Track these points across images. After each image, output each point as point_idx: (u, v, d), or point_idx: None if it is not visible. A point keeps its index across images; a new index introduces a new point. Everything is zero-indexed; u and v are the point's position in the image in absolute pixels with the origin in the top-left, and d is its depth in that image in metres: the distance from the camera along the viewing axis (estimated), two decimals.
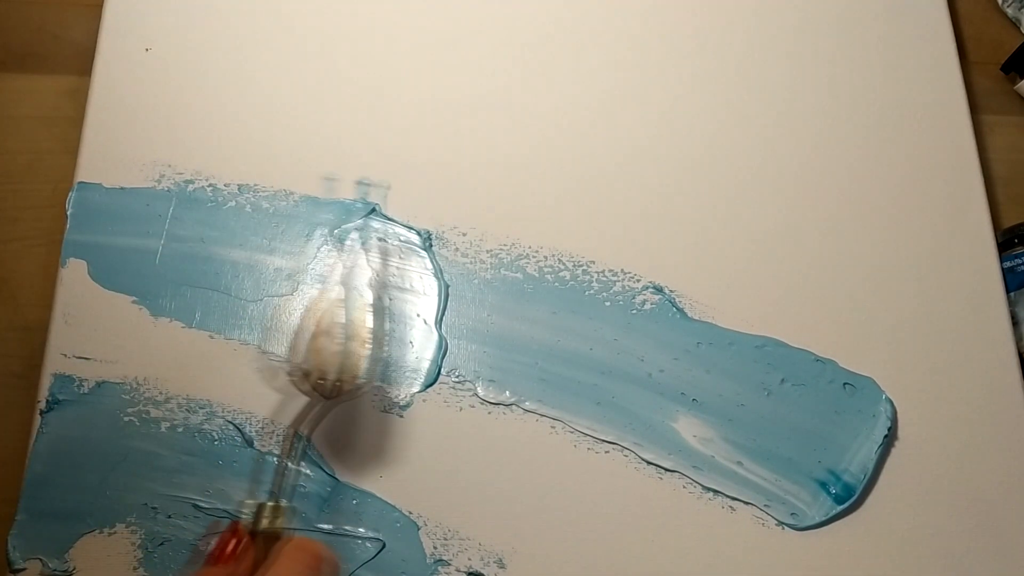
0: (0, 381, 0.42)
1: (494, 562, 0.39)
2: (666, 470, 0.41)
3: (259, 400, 0.40)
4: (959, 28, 0.52)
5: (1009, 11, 0.54)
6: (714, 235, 0.45)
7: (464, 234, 0.44)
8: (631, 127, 0.47)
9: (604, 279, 0.43)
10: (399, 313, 0.42)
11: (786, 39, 0.49)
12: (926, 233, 0.46)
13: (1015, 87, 0.52)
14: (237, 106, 0.45)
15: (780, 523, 0.40)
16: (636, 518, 0.40)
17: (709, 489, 0.40)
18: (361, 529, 0.39)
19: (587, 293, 0.43)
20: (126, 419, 0.40)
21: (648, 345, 0.42)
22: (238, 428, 0.40)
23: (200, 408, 0.40)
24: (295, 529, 0.38)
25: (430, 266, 0.43)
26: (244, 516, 0.34)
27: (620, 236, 0.44)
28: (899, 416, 0.42)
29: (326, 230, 0.43)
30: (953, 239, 0.46)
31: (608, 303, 0.43)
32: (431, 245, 0.43)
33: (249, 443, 0.40)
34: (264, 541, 0.33)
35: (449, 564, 0.39)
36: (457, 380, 0.41)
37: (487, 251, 0.44)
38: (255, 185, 0.44)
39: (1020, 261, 0.46)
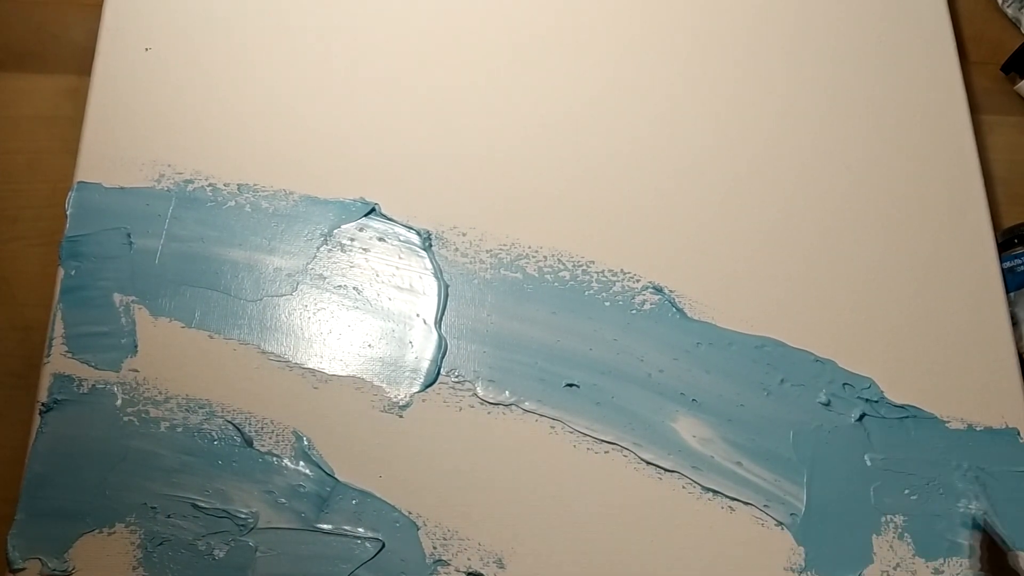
0: (0, 381, 0.42)
1: (493, 562, 0.39)
2: (666, 470, 0.41)
3: (258, 400, 0.40)
4: (959, 28, 0.52)
5: (1009, 11, 0.54)
6: (714, 235, 0.45)
7: (464, 234, 0.44)
8: (631, 127, 0.47)
9: (604, 279, 0.43)
10: (399, 313, 0.42)
11: (786, 39, 0.49)
12: (926, 233, 0.46)
13: (1015, 87, 0.52)
14: (237, 106, 0.45)
15: (779, 523, 0.40)
16: (636, 518, 0.40)
17: (709, 489, 0.40)
18: (360, 529, 0.39)
19: (587, 293, 0.43)
20: (125, 419, 0.40)
21: (648, 345, 0.42)
22: (237, 428, 0.40)
23: (199, 408, 0.40)
24: (294, 529, 0.38)
25: (429, 266, 0.43)
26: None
27: (620, 236, 0.44)
28: None
29: (326, 229, 0.43)
30: (953, 239, 0.46)
31: (608, 303, 0.43)
32: (431, 245, 0.43)
33: (248, 443, 0.40)
34: None
35: (448, 564, 0.39)
36: (457, 380, 0.41)
37: (487, 251, 0.44)
38: (255, 185, 0.44)
39: (1020, 261, 0.46)
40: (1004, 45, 0.53)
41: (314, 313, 0.42)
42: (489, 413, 0.41)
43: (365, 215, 0.44)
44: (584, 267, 0.44)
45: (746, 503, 0.40)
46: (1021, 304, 0.45)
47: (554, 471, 0.40)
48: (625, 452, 0.41)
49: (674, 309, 0.43)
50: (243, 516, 0.38)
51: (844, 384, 0.42)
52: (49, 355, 0.40)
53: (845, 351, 0.43)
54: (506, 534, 0.39)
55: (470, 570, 0.38)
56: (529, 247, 0.44)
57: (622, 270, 0.44)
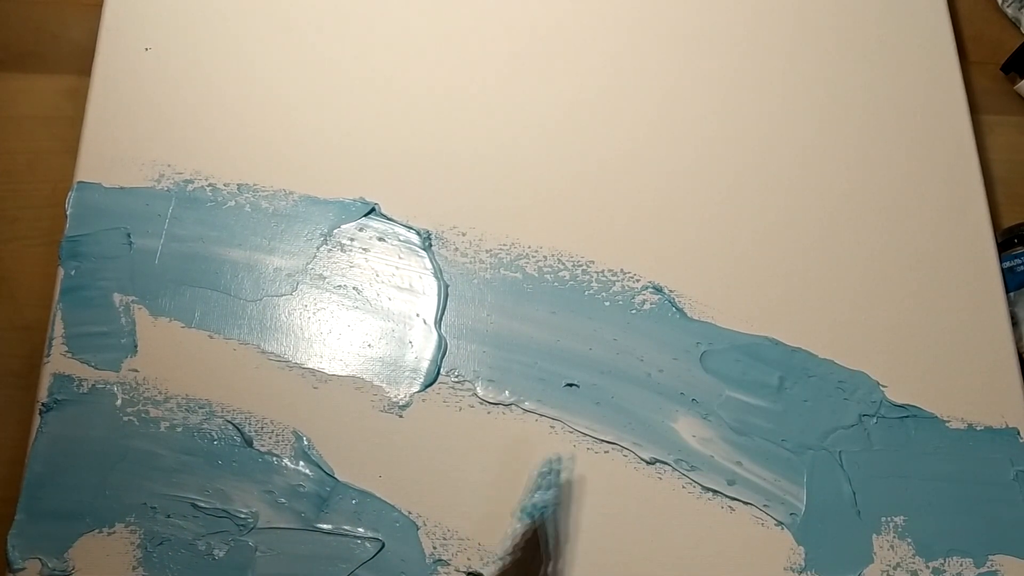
0: (0, 381, 0.42)
1: (494, 562, 0.39)
2: (666, 470, 0.40)
3: (258, 400, 0.40)
4: (959, 28, 0.52)
5: (1009, 11, 0.54)
6: (714, 235, 0.45)
7: (463, 234, 0.44)
8: (630, 126, 0.47)
9: (604, 279, 0.43)
10: (399, 313, 0.42)
11: (786, 39, 0.49)
12: (926, 233, 0.46)
13: (1015, 87, 0.52)
14: (237, 106, 0.45)
15: (779, 523, 0.40)
16: (635, 518, 0.40)
17: (709, 489, 0.40)
18: (360, 529, 0.39)
19: (586, 293, 0.43)
20: (125, 419, 0.40)
21: (647, 345, 0.42)
22: (237, 428, 0.40)
23: (199, 408, 0.40)
24: (294, 529, 0.38)
25: (429, 266, 0.43)
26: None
27: (620, 236, 0.44)
28: None
29: (326, 229, 0.43)
30: (953, 239, 0.46)
31: (608, 303, 0.43)
32: (430, 245, 0.43)
33: (248, 443, 0.40)
34: None
35: (448, 564, 0.38)
36: (456, 380, 0.41)
37: (486, 251, 0.44)
38: (255, 185, 0.44)
39: (1020, 261, 0.46)
40: (1004, 45, 0.53)
41: (314, 313, 0.42)
42: (489, 413, 0.41)
43: (365, 215, 0.44)
44: (584, 267, 0.44)
45: (746, 503, 0.40)
46: (1021, 304, 0.45)
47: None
48: (625, 452, 0.41)
49: (674, 309, 0.43)
50: (243, 516, 0.38)
51: (844, 383, 0.42)
52: (49, 355, 0.40)
53: (845, 350, 0.43)
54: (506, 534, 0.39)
55: (470, 570, 0.38)
56: (529, 247, 0.44)
57: (622, 270, 0.44)
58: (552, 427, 0.41)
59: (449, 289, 0.43)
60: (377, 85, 0.46)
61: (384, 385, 0.41)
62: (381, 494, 0.39)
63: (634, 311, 0.43)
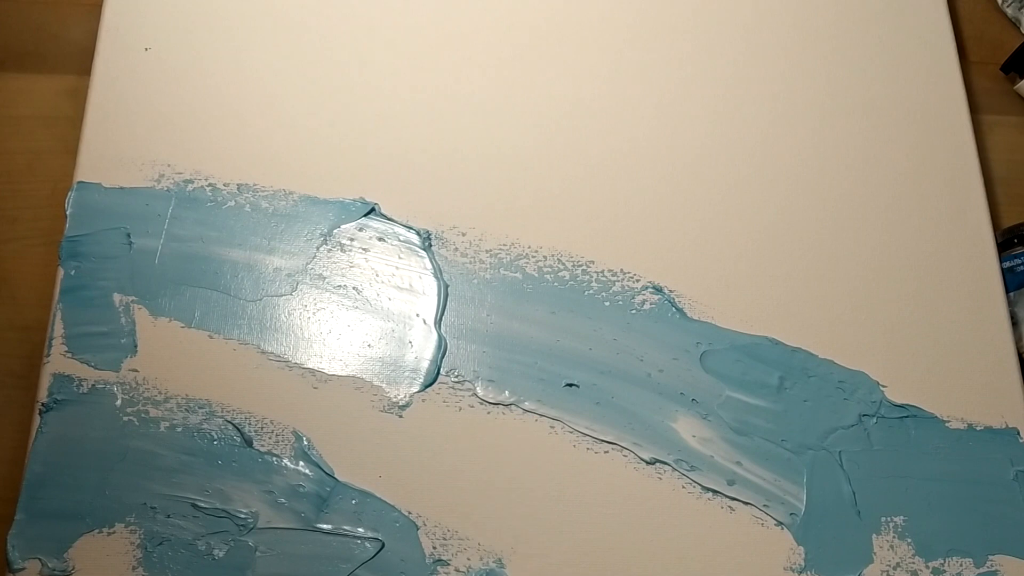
0: (0, 381, 0.42)
1: (493, 562, 0.39)
2: (666, 470, 0.40)
3: (258, 400, 0.40)
4: (959, 28, 0.52)
5: (1009, 11, 0.54)
6: (713, 235, 0.45)
7: (463, 234, 0.44)
8: (630, 126, 0.47)
9: (603, 279, 0.43)
10: (399, 313, 0.42)
11: (786, 38, 0.49)
12: (926, 233, 0.46)
13: (1015, 87, 0.52)
14: (236, 106, 0.45)
15: (779, 523, 0.40)
16: (635, 518, 0.40)
17: (708, 489, 0.40)
18: (360, 529, 0.39)
19: (586, 293, 0.43)
20: (125, 419, 0.40)
21: (647, 345, 0.42)
22: (237, 428, 0.40)
23: (199, 408, 0.40)
24: (294, 529, 0.38)
25: (429, 266, 0.43)
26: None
27: (620, 236, 0.44)
28: None
29: (325, 229, 0.43)
30: (953, 239, 0.46)
31: (607, 303, 0.43)
32: (430, 245, 0.43)
33: (248, 443, 0.40)
34: None
35: (448, 564, 0.39)
36: (456, 380, 0.41)
37: (486, 251, 0.44)
38: (254, 185, 0.44)
39: (1020, 261, 0.46)
40: (1004, 45, 0.53)
41: (314, 313, 0.42)
42: (489, 413, 0.41)
43: (365, 215, 0.44)
44: (584, 267, 0.44)
45: (746, 503, 0.40)
46: (1021, 304, 0.45)
47: (554, 471, 0.40)
48: (625, 452, 0.41)
49: (674, 309, 0.43)
50: (243, 516, 0.38)
51: (844, 383, 0.42)
52: (49, 355, 0.40)
53: (845, 350, 0.43)
54: (506, 534, 0.39)
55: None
56: (529, 247, 0.44)
57: (622, 270, 0.44)
58: (552, 427, 0.41)
59: (449, 289, 0.43)
60: (377, 85, 0.46)
61: (384, 385, 0.41)
62: (381, 494, 0.39)
63: (634, 311, 0.43)
